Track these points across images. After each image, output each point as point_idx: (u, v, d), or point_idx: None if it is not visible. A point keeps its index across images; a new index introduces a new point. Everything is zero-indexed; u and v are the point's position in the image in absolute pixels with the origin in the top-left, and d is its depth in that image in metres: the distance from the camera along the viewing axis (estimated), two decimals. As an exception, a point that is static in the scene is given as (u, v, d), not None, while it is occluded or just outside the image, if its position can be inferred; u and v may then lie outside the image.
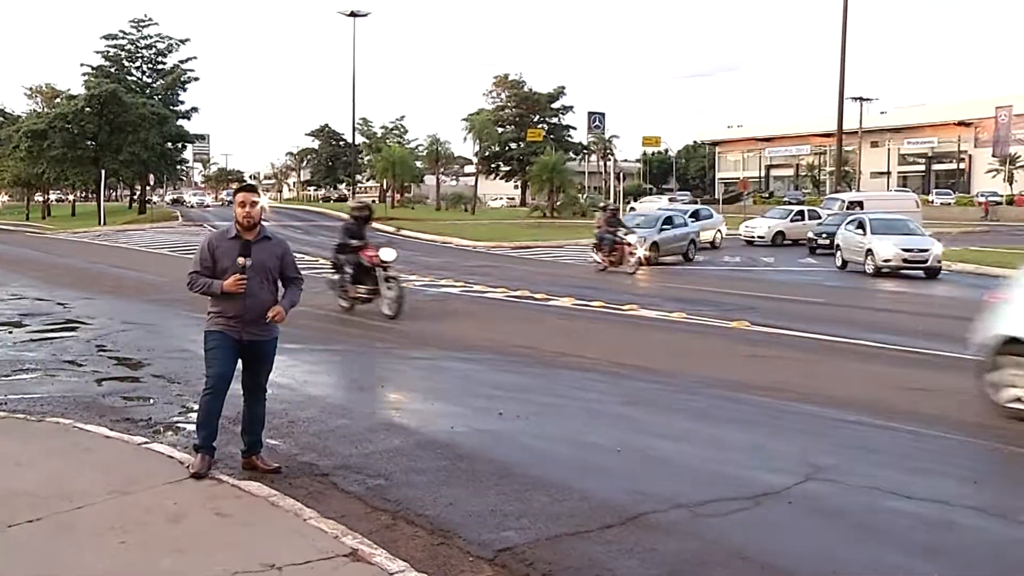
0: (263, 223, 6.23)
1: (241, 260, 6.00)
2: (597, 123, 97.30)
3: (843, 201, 36.79)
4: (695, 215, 33.93)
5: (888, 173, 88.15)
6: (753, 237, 37.25)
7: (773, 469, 6.54)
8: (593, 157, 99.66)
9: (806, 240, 33.64)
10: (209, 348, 6.11)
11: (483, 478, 6.26)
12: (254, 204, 6.10)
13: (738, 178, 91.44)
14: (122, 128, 61.93)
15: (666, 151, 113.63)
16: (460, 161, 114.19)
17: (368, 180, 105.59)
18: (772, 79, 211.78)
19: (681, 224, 29.48)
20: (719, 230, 35.06)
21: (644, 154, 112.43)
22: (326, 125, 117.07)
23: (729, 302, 17.57)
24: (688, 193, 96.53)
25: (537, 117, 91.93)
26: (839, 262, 26.90)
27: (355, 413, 8.16)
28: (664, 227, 28.16)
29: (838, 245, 27.46)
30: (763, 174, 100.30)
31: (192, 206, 77.86)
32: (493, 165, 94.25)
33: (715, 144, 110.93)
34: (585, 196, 71.47)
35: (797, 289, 20.73)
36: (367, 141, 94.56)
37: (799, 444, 7.28)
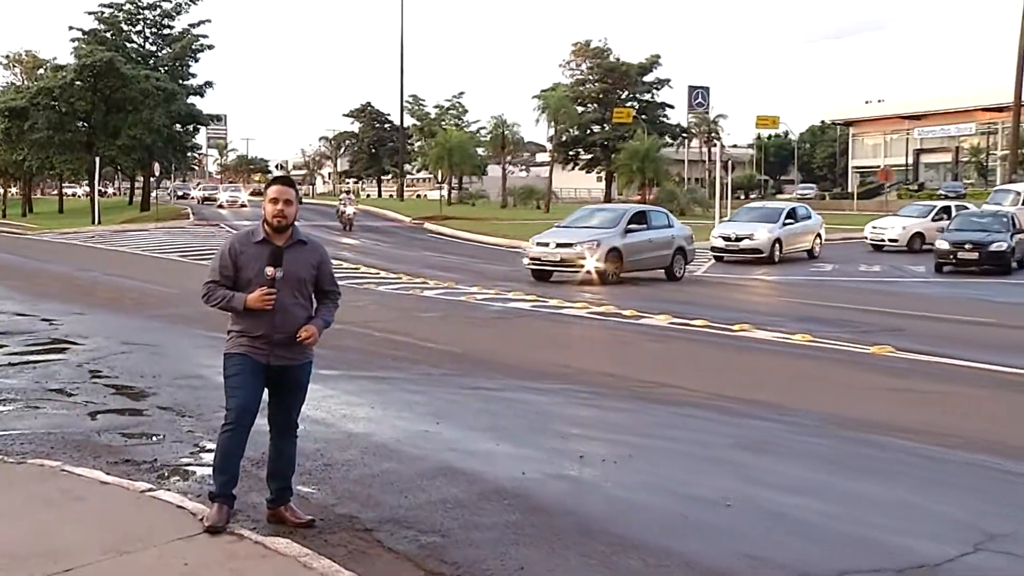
0: (296, 224, 6.30)
1: (271, 271, 6.06)
2: (700, 100, 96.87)
3: (1019, 193, 36.02)
4: (791, 215, 32.98)
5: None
6: (883, 240, 36.30)
7: (928, 535, 6.43)
8: (695, 142, 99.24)
9: (938, 252, 28.97)
10: (230, 374, 6.19)
11: (561, 537, 6.27)
12: (288, 202, 6.16)
13: (878, 166, 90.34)
14: (120, 106, 63.08)
15: (786, 134, 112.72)
16: (531, 148, 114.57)
17: (419, 171, 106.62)
18: (924, 40, 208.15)
19: (663, 225, 26.22)
20: (818, 234, 34.22)
21: (758, 138, 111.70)
22: (368, 104, 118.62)
23: (867, 321, 17.33)
24: (813, 186, 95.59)
25: (625, 93, 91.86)
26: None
27: (404, 455, 8.23)
28: (633, 228, 25.05)
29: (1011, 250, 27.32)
30: (910, 161, 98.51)
31: (222, 205, 70.04)
32: (571, 152, 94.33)
33: (848, 124, 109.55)
34: (684, 189, 71.14)
35: (955, 306, 20.37)
36: (418, 123, 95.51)
37: (962, 503, 7.15)
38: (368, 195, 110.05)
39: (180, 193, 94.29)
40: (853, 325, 16.78)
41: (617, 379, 11.78)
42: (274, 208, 6.14)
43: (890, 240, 36.12)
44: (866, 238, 37.28)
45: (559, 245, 24.23)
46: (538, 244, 24.82)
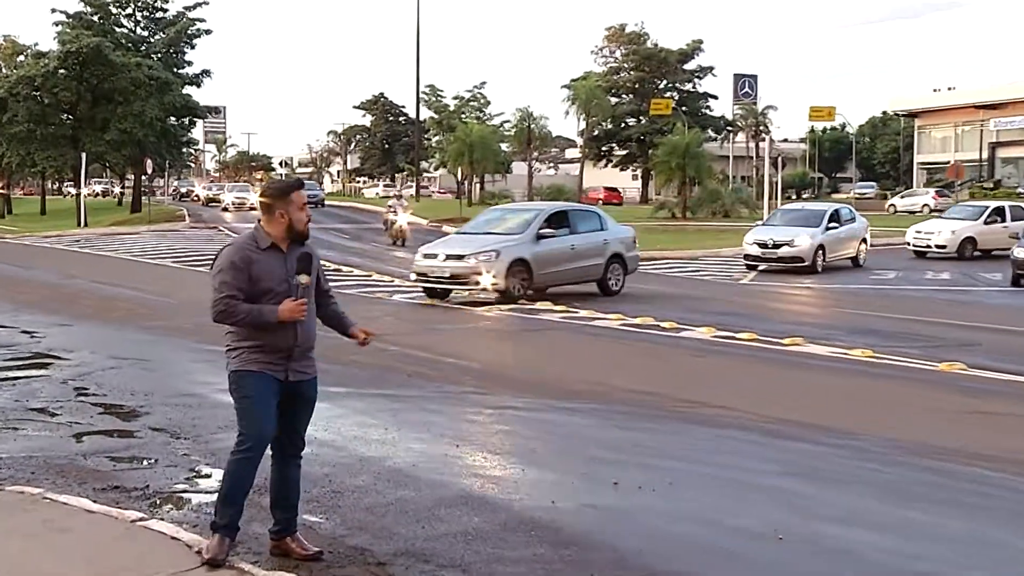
0: None
1: (305, 279, 6.16)
2: (747, 89, 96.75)
3: None
4: (834, 217, 31.82)
5: None
6: (927, 246, 35.46)
7: None
8: (740, 136, 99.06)
9: (1016, 262, 26.71)
10: (245, 395, 6.19)
11: (594, 572, 6.26)
12: (305, 205, 6.37)
13: (947, 162, 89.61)
14: (109, 97, 63.43)
15: (843, 127, 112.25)
16: (560, 143, 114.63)
17: (436, 168, 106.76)
18: (1002, 19, 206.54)
19: (593, 228, 23.74)
20: (864, 239, 33.31)
21: (811, 131, 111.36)
22: (381, 95, 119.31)
23: (935, 335, 17.24)
24: (874, 184, 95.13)
25: (664, 83, 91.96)
26: None
27: (422, 481, 8.25)
28: (547, 233, 22.47)
29: None
30: (985, 155, 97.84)
31: (227, 207, 68.87)
32: (604, 148, 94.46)
33: (913, 115, 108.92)
34: (729, 188, 70.97)
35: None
36: (435, 116, 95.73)
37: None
38: (377, 194, 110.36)
39: (184, 190, 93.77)
40: (920, 339, 16.70)
41: (655, 398, 11.77)
42: (304, 215, 6.27)
43: (937, 246, 35.10)
44: (908, 244, 36.44)
45: (449, 257, 21.64)
46: (425, 256, 22.21)
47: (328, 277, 6.78)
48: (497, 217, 24.53)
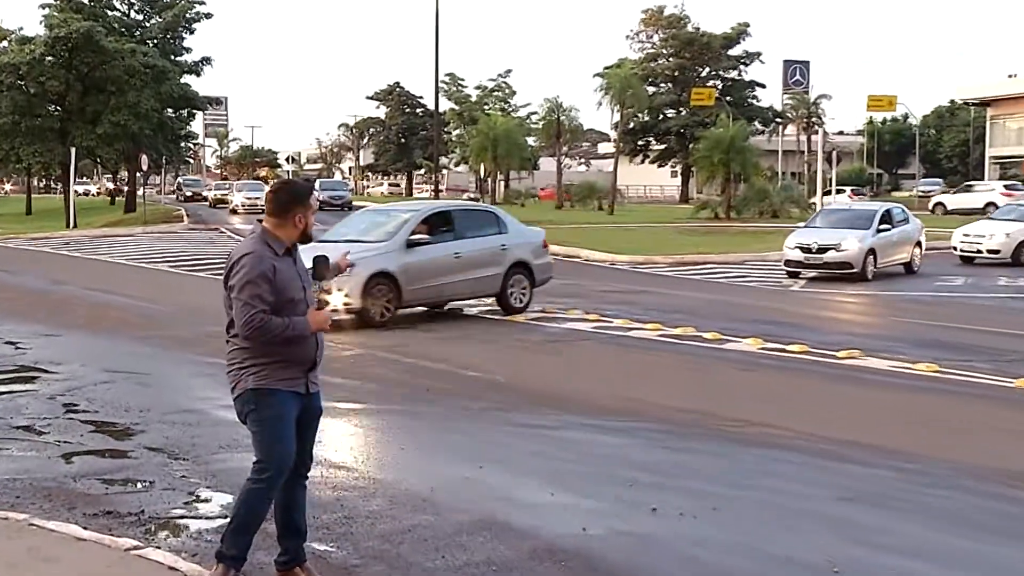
0: None
1: (328, 285, 6.25)
2: (797, 77, 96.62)
3: None
4: (885, 218, 30.90)
5: None
6: (977, 252, 34.55)
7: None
8: (791, 128, 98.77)
9: None
10: (269, 416, 6.17)
11: (630, 608, 6.27)
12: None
13: (1023, 156, 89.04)
14: (100, 86, 63.58)
15: (905, 117, 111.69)
16: (592, 137, 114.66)
17: (457, 164, 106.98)
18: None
19: (488, 232, 21.44)
20: (918, 243, 32.46)
21: (870, 122, 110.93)
22: (397, 85, 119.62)
23: (1010, 348, 17.13)
24: (940, 181, 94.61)
25: (707, 70, 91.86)
26: None
27: (442, 506, 8.27)
28: (422, 240, 20.03)
29: None
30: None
31: (235, 209, 67.40)
32: (640, 142, 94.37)
33: (985, 104, 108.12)
34: (778, 186, 70.86)
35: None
36: (456, 108, 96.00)
37: None
38: (383, 193, 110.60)
39: (190, 192, 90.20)
40: (992, 352, 16.59)
41: (697, 416, 11.76)
42: (312, 219, 6.41)
43: (989, 251, 34.20)
44: (954, 248, 35.45)
45: None
46: None
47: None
48: (366, 221, 22.11)
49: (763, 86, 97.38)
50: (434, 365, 14.92)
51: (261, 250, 6.18)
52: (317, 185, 73.88)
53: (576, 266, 32.33)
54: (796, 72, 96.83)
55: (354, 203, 66.66)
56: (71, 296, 24.76)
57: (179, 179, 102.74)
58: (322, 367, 6.46)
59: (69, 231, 52.88)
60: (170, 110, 69.92)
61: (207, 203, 78.35)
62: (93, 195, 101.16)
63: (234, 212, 66.61)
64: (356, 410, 11.41)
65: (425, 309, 20.86)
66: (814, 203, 51.19)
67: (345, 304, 18.56)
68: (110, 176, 73.68)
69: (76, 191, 62.70)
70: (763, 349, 16.70)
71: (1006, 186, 66.43)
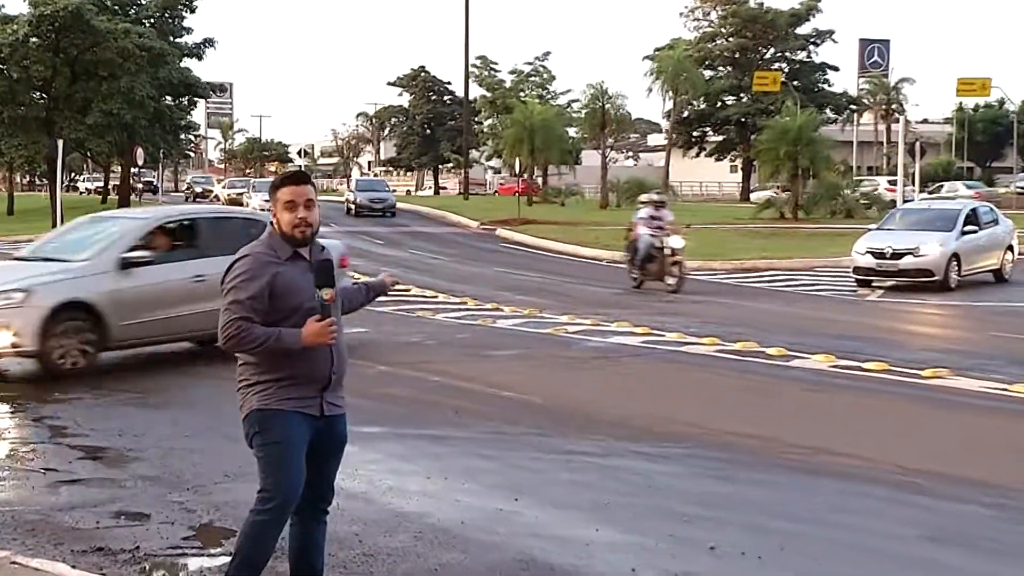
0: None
1: (329, 293, 6.11)
2: (876, 58, 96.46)
3: None
4: (971, 219, 30.28)
5: None
6: None
7: None
8: (867, 116, 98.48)
9: None
10: (274, 441, 6.15)
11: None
12: (311, 204, 6.22)
13: None
14: (91, 71, 63.65)
15: (1001, 103, 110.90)
16: (641, 127, 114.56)
17: (489, 158, 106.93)
18: None
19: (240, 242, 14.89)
20: (1009, 247, 31.80)
21: (959, 109, 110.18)
22: (422, 69, 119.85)
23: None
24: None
25: (771, 51, 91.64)
26: None
27: (472, 542, 8.28)
28: (142, 259, 16.45)
29: None
30: None
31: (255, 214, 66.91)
32: (695, 133, 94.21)
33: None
34: (852, 182, 70.53)
35: None
36: (488, 95, 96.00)
37: None
38: (408, 191, 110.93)
39: (200, 190, 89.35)
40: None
41: (762, 443, 11.71)
42: (292, 216, 6.17)
43: None
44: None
45: None
46: None
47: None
48: (80, 233, 18.30)
49: (836, 69, 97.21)
50: (464, 384, 14.94)
51: (261, 252, 6.18)
52: (353, 185, 73.60)
53: (622, 273, 32.23)
54: (874, 52, 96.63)
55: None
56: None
57: (190, 177, 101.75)
58: (345, 386, 6.43)
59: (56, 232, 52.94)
60: (168, 98, 69.88)
61: (220, 202, 76.41)
62: (94, 192, 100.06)
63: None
64: (376, 434, 11.44)
65: (453, 321, 20.86)
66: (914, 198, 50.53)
67: (15, 346, 15.22)
68: (120, 169, 72.80)
69: (87, 188, 62.82)
70: (835, 367, 16.63)
71: None
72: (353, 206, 64.36)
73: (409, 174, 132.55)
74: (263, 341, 6.02)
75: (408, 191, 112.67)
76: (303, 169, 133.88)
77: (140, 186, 77.43)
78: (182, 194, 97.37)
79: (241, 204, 69.45)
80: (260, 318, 6.04)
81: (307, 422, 6.17)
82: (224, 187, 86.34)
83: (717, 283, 31.42)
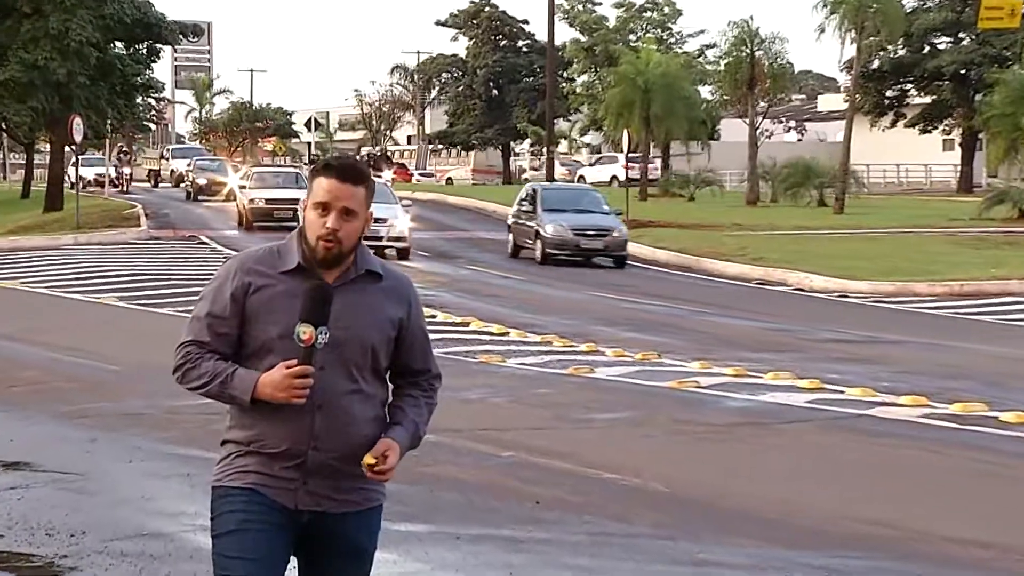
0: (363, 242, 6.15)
1: (307, 332, 5.86)
2: None
3: None
4: None
5: None
6: None
7: None
8: None
9: None
10: (223, 531, 6.10)
11: None
12: (351, 213, 5.94)
13: None
14: (7, 7, 64.32)
15: None
16: (808, 85, 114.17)
17: (583, 132, 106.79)
18: None
19: None
20: None
21: None
22: (487, 2, 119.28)
23: None
24: None
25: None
26: None
27: None
28: None
29: None
30: None
31: (247, 218, 58.89)
32: (889, 93, 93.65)
33: None
34: None
35: None
36: (582, 40, 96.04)
37: None
38: (451, 178, 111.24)
39: (204, 180, 79.55)
40: None
41: (995, 553, 11.62)
42: (320, 223, 5.95)
43: None
44: None
45: None
46: None
47: None
48: None
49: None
50: (548, 461, 14.90)
51: (246, 260, 6.11)
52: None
53: (781, 298, 32.37)
54: None
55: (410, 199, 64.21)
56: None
57: (194, 159, 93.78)
58: (345, 469, 6.23)
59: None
60: (119, 44, 70.08)
61: (223, 199, 73.62)
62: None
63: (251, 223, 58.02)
64: (421, 535, 11.45)
65: (533, 370, 20.90)
66: None
67: None
68: (50, 147, 72.37)
69: (84, 177, 61.89)
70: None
71: None
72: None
73: (465, 154, 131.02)
74: (206, 378, 5.92)
75: (449, 179, 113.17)
76: (312, 148, 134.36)
77: (86, 176, 75.38)
78: (147, 183, 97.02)
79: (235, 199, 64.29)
80: (226, 347, 5.99)
81: (276, 512, 6.00)
82: (237, 169, 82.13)
83: (921, 314, 31.36)
